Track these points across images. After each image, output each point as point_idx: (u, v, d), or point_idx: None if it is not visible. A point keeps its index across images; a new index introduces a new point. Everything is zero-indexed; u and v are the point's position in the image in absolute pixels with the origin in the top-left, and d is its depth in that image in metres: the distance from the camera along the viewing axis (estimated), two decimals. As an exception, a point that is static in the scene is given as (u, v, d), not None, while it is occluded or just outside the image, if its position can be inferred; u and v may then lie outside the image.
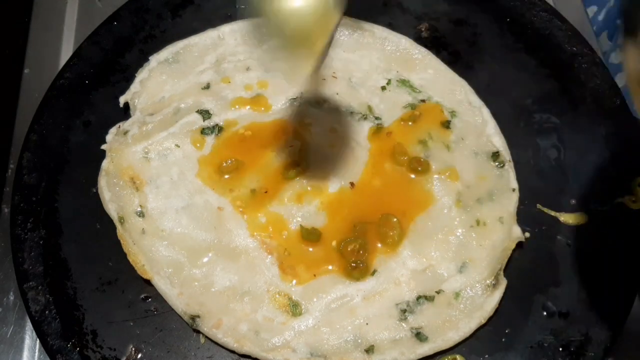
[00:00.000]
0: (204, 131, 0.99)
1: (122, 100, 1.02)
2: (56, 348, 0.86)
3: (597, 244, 0.92)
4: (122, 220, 0.93)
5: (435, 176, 0.95)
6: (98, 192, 0.96)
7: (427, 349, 0.86)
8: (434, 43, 1.08)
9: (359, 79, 1.04)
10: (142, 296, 0.91)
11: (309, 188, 0.94)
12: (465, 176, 0.96)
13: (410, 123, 0.99)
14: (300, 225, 0.91)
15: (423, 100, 1.02)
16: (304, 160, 0.96)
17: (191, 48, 1.07)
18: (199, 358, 0.87)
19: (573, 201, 0.96)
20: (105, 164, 0.97)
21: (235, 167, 0.96)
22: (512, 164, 0.97)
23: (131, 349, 0.87)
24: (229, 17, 1.10)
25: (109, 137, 0.99)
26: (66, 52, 1.20)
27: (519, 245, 0.92)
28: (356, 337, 0.86)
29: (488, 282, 0.89)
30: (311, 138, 0.97)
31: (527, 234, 0.93)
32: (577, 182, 0.97)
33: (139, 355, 0.87)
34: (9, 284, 0.98)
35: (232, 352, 0.87)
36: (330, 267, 0.90)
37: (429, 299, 0.88)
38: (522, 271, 0.91)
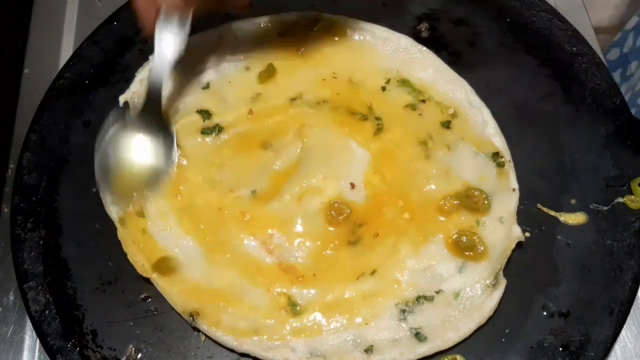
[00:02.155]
0: (204, 131, 0.99)
1: (121, 99, 1.02)
2: (56, 348, 0.86)
3: (597, 244, 0.92)
4: (122, 221, 0.93)
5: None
6: (99, 193, 0.96)
7: (426, 349, 0.86)
8: (434, 43, 1.08)
9: (359, 79, 1.04)
10: (142, 296, 0.91)
11: (309, 189, 0.94)
12: (465, 176, 0.96)
13: (410, 123, 0.99)
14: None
15: (423, 100, 1.02)
16: (305, 161, 0.96)
17: (191, 47, 1.07)
18: (199, 358, 0.87)
19: (573, 201, 0.96)
20: (106, 164, 0.97)
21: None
22: (512, 164, 0.97)
23: (131, 349, 0.87)
24: (229, 17, 1.10)
25: (109, 137, 0.99)
26: (66, 52, 1.20)
27: (519, 245, 0.92)
28: (355, 337, 0.86)
29: (488, 282, 0.89)
30: (311, 138, 0.97)
31: (527, 234, 0.93)
32: (577, 182, 0.97)
33: (139, 355, 0.87)
34: (9, 284, 0.98)
35: (232, 351, 0.87)
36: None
37: (429, 299, 0.88)
38: (522, 271, 0.91)
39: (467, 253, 0.90)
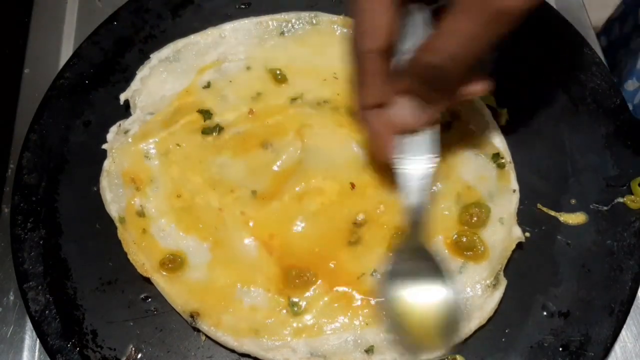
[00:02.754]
0: (204, 131, 0.99)
1: (122, 97, 1.02)
2: (56, 348, 0.86)
3: (597, 244, 0.92)
4: (122, 220, 0.93)
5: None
6: (99, 192, 0.96)
7: (426, 349, 0.86)
8: (434, 43, 1.08)
9: (359, 79, 1.04)
10: (142, 296, 0.91)
11: (309, 189, 0.94)
12: (465, 177, 0.96)
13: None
14: None
15: (423, 101, 1.02)
16: (305, 161, 0.96)
17: (192, 46, 1.07)
18: (199, 358, 0.87)
19: (573, 201, 0.96)
20: (107, 164, 0.97)
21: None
22: (512, 165, 0.97)
23: (131, 349, 0.87)
24: (229, 17, 1.10)
25: (109, 136, 0.99)
26: (66, 52, 1.20)
27: (519, 245, 0.92)
28: (356, 337, 0.86)
29: (488, 282, 0.89)
30: (312, 138, 0.97)
31: (527, 234, 0.93)
32: (577, 182, 0.97)
33: (139, 355, 0.87)
34: (9, 284, 0.98)
35: (232, 351, 0.87)
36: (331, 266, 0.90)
37: (429, 298, 0.88)
38: (522, 271, 0.91)
39: (467, 253, 0.90)
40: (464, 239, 0.91)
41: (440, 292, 0.79)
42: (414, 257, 0.81)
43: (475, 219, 0.92)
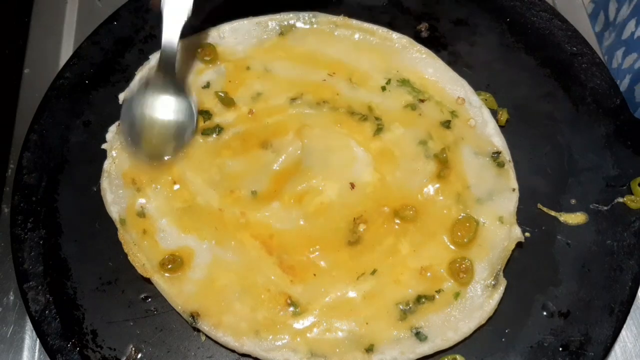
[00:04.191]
0: (204, 132, 0.99)
1: (121, 97, 1.02)
2: (56, 348, 0.86)
3: (597, 244, 0.93)
4: (123, 222, 0.93)
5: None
6: (99, 192, 0.96)
7: (426, 348, 0.86)
8: (434, 43, 1.08)
9: (359, 79, 1.04)
10: (142, 296, 0.91)
11: (309, 189, 0.94)
12: (465, 176, 0.96)
13: (410, 123, 0.99)
14: None
15: (423, 100, 1.02)
16: (305, 161, 0.96)
17: (191, 47, 1.07)
18: (199, 358, 0.87)
19: (573, 201, 0.96)
20: (107, 164, 0.97)
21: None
22: (512, 164, 0.97)
23: (131, 349, 0.87)
24: (228, 17, 1.10)
25: (109, 136, 0.99)
26: (66, 52, 1.20)
27: (519, 245, 0.92)
28: (356, 337, 0.86)
29: (488, 282, 0.89)
30: (312, 139, 0.97)
31: (527, 234, 0.93)
32: (577, 182, 0.97)
33: (139, 355, 0.87)
34: (9, 284, 0.98)
35: (232, 351, 0.87)
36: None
37: (429, 298, 0.88)
38: (522, 271, 0.91)
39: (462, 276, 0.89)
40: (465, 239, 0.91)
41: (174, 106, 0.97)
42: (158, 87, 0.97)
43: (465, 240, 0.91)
